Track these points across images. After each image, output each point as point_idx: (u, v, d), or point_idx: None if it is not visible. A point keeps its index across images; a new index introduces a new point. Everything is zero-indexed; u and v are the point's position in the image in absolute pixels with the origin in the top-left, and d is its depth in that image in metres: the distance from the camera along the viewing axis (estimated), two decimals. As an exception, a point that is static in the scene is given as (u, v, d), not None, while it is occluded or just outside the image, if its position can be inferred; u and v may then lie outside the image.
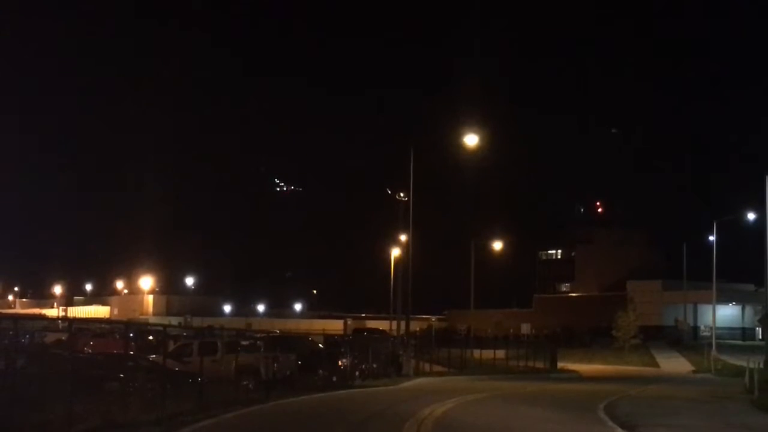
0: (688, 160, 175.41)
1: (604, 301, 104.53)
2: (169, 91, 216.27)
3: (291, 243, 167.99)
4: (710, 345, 71.09)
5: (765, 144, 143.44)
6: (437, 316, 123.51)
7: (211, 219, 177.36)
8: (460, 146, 49.92)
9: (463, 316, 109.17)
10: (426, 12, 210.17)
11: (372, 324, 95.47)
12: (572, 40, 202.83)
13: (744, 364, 46.47)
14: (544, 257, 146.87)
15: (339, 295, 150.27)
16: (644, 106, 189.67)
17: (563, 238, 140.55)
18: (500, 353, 64.94)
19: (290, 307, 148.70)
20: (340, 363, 40.99)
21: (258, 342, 36.10)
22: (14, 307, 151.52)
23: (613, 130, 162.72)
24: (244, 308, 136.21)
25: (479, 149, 51.12)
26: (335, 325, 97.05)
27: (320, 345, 44.06)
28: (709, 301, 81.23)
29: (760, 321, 72.49)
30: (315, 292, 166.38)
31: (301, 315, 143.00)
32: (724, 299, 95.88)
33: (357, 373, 42.44)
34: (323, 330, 77.42)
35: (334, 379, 38.77)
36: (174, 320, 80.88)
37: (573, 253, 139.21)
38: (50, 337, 34.08)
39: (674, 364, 73.07)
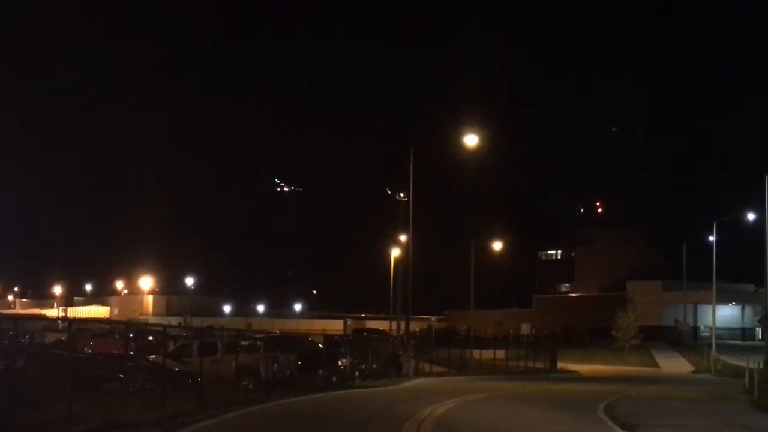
0: (688, 160, 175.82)
1: (604, 302, 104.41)
2: (169, 91, 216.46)
3: (291, 243, 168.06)
4: (710, 345, 71.00)
5: (765, 144, 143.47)
6: (437, 317, 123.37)
7: (211, 219, 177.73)
8: (460, 146, 49.90)
9: (463, 317, 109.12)
10: (426, 12, 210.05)
11: (372, 324, 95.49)
12: (572, 40, 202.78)
13: (744, 364, 46.47)
14: (544, 257, 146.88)
15: (339, 295, 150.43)
16: (644, 106, 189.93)
17: (563, 238, 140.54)
18: (500, 353, 65.01)
19: (290, 307, 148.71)
20: (340, 363, 41.02)
21: (258, 342, 36.13)
22: (14, 307, 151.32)
23: (614, 129, 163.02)
24: (244, 308, 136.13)
25: (479, 149, 51.11)
26: (335, 326, 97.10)
27: (320, 345, 44.14)
28: (709, 302, 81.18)
29: (760, 321, 72.37)
30: (315, 292, 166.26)
31: (301, 315, 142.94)
32: (724, 299, 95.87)
33: (357, 374, 42.46)
34: (323, 330, 77.55)
35: (334, 379, 38.79)
36: (174, 320, 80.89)
37: (573, 254, 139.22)
38: (50, 338, 33.92)
39: (674, 364, 73.04)
